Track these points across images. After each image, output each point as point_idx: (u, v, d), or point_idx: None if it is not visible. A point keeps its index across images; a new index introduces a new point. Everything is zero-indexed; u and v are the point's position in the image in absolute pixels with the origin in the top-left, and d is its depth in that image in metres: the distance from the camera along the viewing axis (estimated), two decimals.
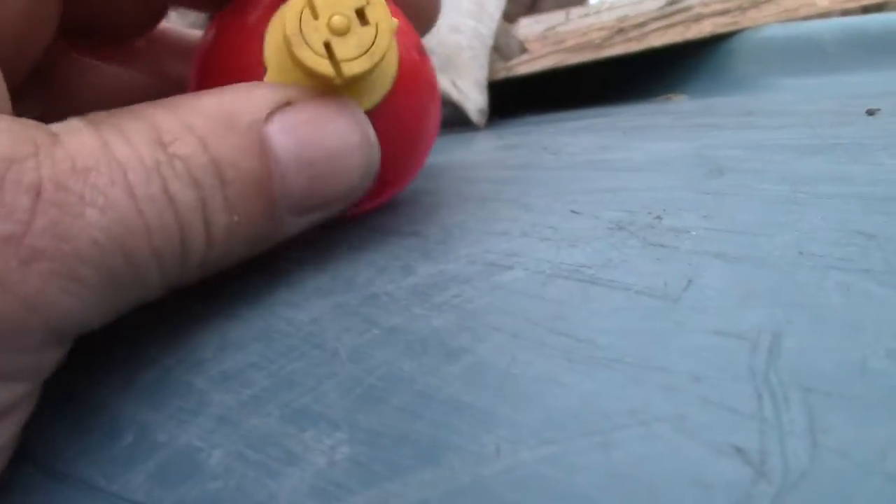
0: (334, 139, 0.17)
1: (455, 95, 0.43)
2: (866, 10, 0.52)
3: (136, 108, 0.15)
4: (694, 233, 0.16)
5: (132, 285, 0.14)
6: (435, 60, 0.43)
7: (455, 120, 0.46)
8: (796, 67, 0.46)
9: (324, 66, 0.16)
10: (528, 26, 0.58)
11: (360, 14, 0.17)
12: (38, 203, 0.13)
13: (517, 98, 0.57)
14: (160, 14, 0.20)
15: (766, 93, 0.43)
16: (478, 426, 0.12)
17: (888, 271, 0.13)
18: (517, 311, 0.14)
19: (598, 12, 0.56)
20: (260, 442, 0.13)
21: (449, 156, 0.31)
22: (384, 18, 0.17)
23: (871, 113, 0.25)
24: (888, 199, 0.16)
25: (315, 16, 0.16)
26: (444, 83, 0.43)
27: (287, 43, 0.16)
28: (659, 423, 0.11)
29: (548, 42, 0.50)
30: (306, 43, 0.16)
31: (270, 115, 0.16)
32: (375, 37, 0.17)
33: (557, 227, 0.18)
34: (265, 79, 0.17)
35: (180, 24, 0.21)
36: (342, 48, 0.17)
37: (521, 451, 0.11)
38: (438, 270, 0.17)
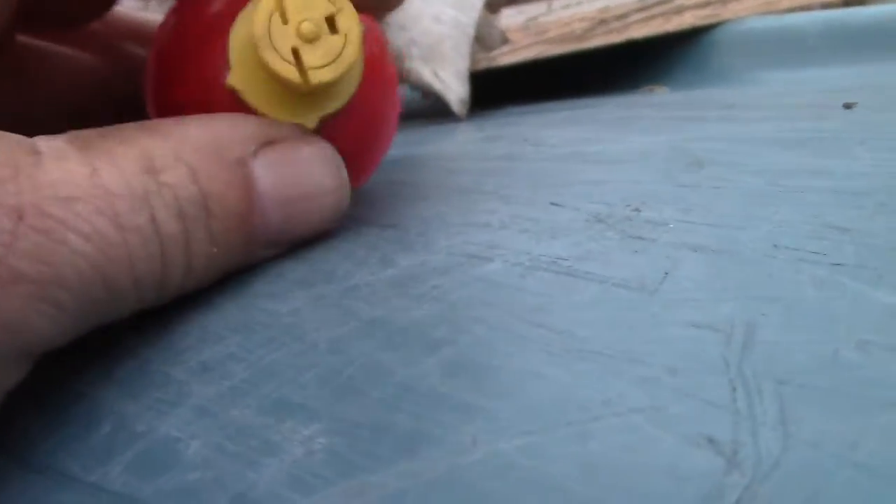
0: (312, 182, 0.18)
1: (437, 86, 0.43)
2: (847, 3, 0.53)
3: (126, 131, 0.15)
4: (672, 225, 0.16)
5: (107, 308, 0.14)
6: (416, 50, 0.43)
7: (437, 110, 0.46)
8: (778, 60, 0.46)
9: (291, 73, 0.17)
10: (511, 17, 0.58)
11: (330, 21, 0.17)
12: (20, 226, 0.12)
13: (500, 88, 0.57)
14: None
15: (747, 85, 0.44)
16: (456, 418, 0.12)
17: (860, 265, 0.13)
18: (497, 303, 0.14)
19: (579, 2, 0.56)
20: (238, 433, 0.13)
21: (430, 147, 0.31)
22: (354, 27, 0.17)
23: (848, 107, 0.25)
24: (862, 194, 0.16)
25: (284, 21, 0.16)
26: (426, 73, 0.43)
27: (255, 46, 0.16)
28: (634, 415, 0.11)
29: (530, 32, 0.50)
30: (274, 48, 0.16)
31: (256, 151, 0.17)
32: (344, 46, 0.17)
33: (537, 219, 0.18)
34: (228, 79, 0.17)
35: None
36: (310, 56, 0.17)
37: (499, 442, 0.11)
38: (418, 262, 0.17)
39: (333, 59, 0.17)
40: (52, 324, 0.13)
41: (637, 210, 0.17)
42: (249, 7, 0.18)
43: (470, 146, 0.29)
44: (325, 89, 0.18)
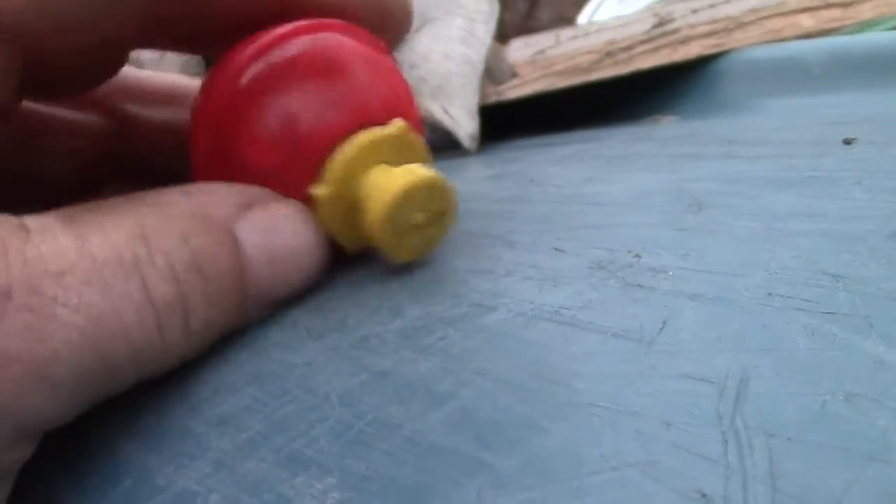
0: (295, 239, 0.18)
1: (447, 122, 0.44)
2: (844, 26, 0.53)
3: (116, 203, 0.16)
4: (671, 272, 0.17)
5: (107, 381, 0.14)
6: (426, 88, 0.43)
7: (447, 144, 0.46)
8: (782, 88, 0.47)
9: (389, 246, 0.19)
10: (519, 49, 0.59)
11: (439, 215, 0.19)
12: (9, 306, 0.12)
13: (510, 120, 0.58)
14: (119, 63, 0.20)
15: (751, 115, 0.44)
16: (461, 472, 0.12)
17: (851, 314, 0.14)
18: (499, 355, 0.15)
19: (586, 34, 0.57)
20: (254, 486, 0.13)
21: None
22: (445, 226, 0.20)
23: (848, 142, 0.26)
24: (857, 238, 0.17)
25: (408, 206, 0.18)
26: (436, 110, 0.44)
27: (379, 216, 0.18)
28: (630, 469, 0.11)
29: (537, 66, 0.51)
30: (394, 228, 0.18)
31: (239, 215, 0.17)
32: (435, 237, 0.20)
33: (540, 266, 0.18)
34: (317, 189, 0.19)
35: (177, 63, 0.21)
36: (409, 239, 0.19)
37: (501, 498, 0.11)
38: (425, 312, 0.17)
39: (420, 247, 0.19)
40: (49, 402, 0.13)
41: (638, 256, 0.18)
42: (371, 144, 0.19)
43: (477, 186, 0.30)
44: None
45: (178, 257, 0.16)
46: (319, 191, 0.19)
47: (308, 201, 0.19)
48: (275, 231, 0.18)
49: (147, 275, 0.15)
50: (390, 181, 0.18)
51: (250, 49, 0.18)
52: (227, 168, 0.19)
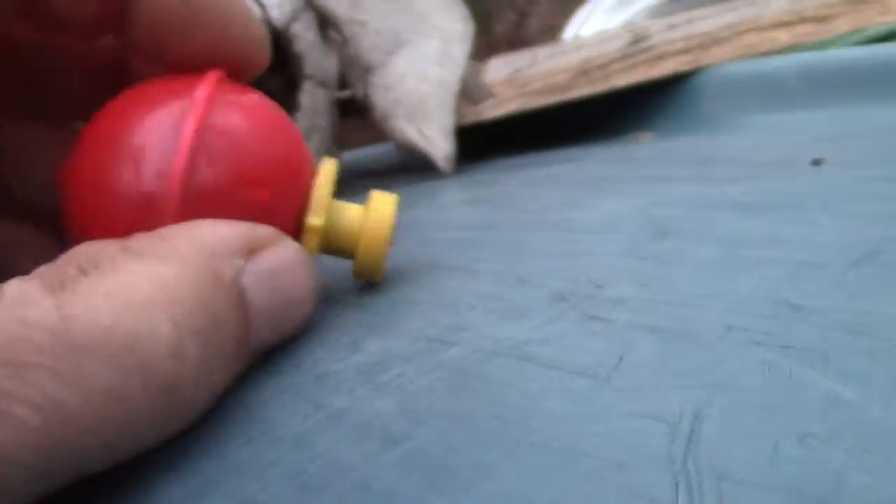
0: (296, 288, 0.18)
1: (422, 144, 0.44)
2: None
3: (113, 254, 0.14)
4: (631, 304, 0.17)
5: (76, 470, 0.13)
6: (401, 110, 0.43)
7: (422, 166, 0.46)
8: (758, 104, 0.47)
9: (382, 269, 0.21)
10: (496, 69, 0.59)
11: None
12: None
13: (489, 139, 0.58)
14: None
15: (726, 133, 0.44)
16: None
17: (808, 348, 0.14)
18: (456, 393, 0.15)
19: (564, 52, 0.57)
20: None
21: (412, 212, 0.31)
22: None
23: (816, 163, 0.25)
24: (817, 267, 0.16)
25: None
26: (411, 132, 0.44)
27: (383, 244, 0.20)
28: None
29: (514, 85, 0.51)
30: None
31: (244, 265, 0.16)
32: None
33: (503, 298, 0.18)
34: (311, 219, 0.19)
35: None
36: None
37: None
38: (384, 348, 0.17)
39: None
40: (8, 499, 0.12)
41: (599, 287, 0.18)
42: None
43: (450, 212, 0.29)
44: None
45: (189, 326, 0.14)
46: (316, 221, 0.19)
47: (300, 233, 0.19)
48: (279, 282, 0.17)
49: (142, 353, 0.13)
50: (380, 211, 0.20)
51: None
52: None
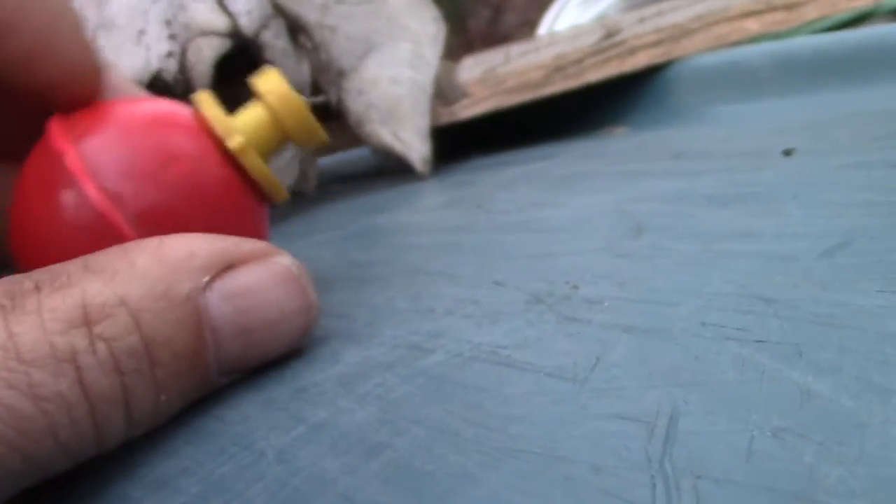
0: (274, 308, 0.17)
1: (398, 147, 0.44)
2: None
3: (68, 273, 0.15)
4: (606, 303, 0.17)
5: (33, 474, 0.13)
6: (375, 114, 0.43)
7: (399, 169, 0.46)
8: (730, 94, 0.47)
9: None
10: (469, 69, 0.59)
11: None
12: None
13: (466, 138, 0.58)
14: None
15: (699, 124, 0.44)
16: None
17: (781, 341, 0.14)
18: (435, 401, 0.15)
19: (537, 49, 0.57)
20: None
21: (387, 216, 0.31)
22: None
23: (787, 153, 0.26)
24: (789, 259, 0.17)
25: None
26: (386, 136, 0.44)
27: (288, 97, 0.20)
28: None
29: (488, 84, 0.51)
30: None
31: (210, 281, 0.16)
32: None
33: (480, 302, 0.18)
34: (233, 144, 0.19)
35: None
36: None
37: None
38: (364, 357, 0.17)
39: None
40: None
41: (575, 287, 0.18)
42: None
43: (425, 215, 0.30)
44: None
45: (124, 345, 0.14)
46: (235, 142, 0.19)
47: (229, 162, 0.19)
48: (249, 301, 0.16)
49: (84, 367, 0.14)
50: (269, 84, 0.20)
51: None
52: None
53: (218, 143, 0.19)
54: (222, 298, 0.16)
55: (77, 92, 0.19)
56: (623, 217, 0.22)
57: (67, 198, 0.17)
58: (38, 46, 0.18)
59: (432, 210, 0.31)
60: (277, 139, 0.20)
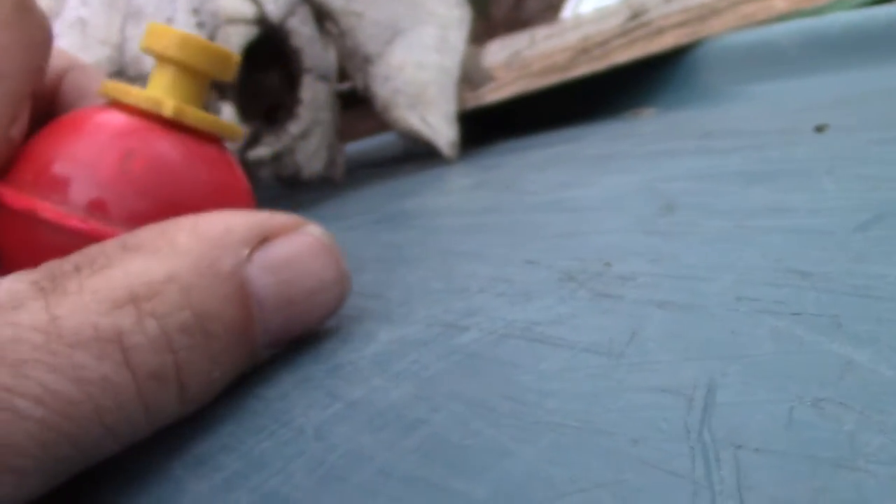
0: (313, 278, 0.17)
1: (426, 132, 0.44)
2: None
3: (110, 252, 0.15)
4: (640, 280, 0.17)
5: (85, 459, 0.14)
6: (402, 99, 0.43)
7: (427, 153, 0.46)
8: (758, 73, 0.47)
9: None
10: (495, 53, 0.59)
11: None
12: None
13: (492, 123, 0.58)
14: None
15: (727, 103, 0.44)
16: (432, 502, 0.12)
17: (818, 314, 0.14)
18: (471, 377, 0.15)
19: (562, 32, 0.57)
20: None
21: (416, 200, 0.31)
22: None
23: (819, 129, 0.25)
24: (824, 233, 0.17)
25: None
26: (414, 120, 0.44)
27: (188, 39, 0.19)
28: (598, 490, 0.11)
29: (514, 68, 0.51)
30: None
31: (251, 253, 0.16)
32: None
33: (513, 281, 0.18)
34: (168, 110, 0.18)
35: None
36: None
37: None
38: (398, 336, 0.17)
39: None
40: (17, 489, 0.12)
41: (608, 264, 0.18)
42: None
43: (454, 197, 0.30)
44: None
45: (175, 321, 0.14)
46: (169, 106, 0.19)
47: (175, 129, 0.19)
48: (290, 272, 0.17)
49: (131, 347, 0.13)
50: (154, 31, 0.19)
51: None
52: None
53: (154, 118, 0.19)
54: (264, 271, 0.16)
55: None
56: (653, 195, 0.22)
57: (58, 241, 0.17)
58: None
59: (461, 192, 0.31)
60: (199, 84, 0.20)
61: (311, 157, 0.39)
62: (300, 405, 0.16)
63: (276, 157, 0.38)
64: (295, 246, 0.17)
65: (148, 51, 0.19)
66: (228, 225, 0.16)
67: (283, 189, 0.46)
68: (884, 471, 0.10)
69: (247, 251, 0.16)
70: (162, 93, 0.19)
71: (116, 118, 0.19)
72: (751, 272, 0.16)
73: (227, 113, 0.36)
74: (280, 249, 0.16)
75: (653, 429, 0.12)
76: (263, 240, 0.16)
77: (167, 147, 0.18)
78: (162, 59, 0.19)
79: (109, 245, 0.15)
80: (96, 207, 0.17)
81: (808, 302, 0.14)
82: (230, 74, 0.20)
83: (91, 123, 0.19)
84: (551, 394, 0.14)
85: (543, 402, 0.13)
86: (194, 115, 0.19)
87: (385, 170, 0.51)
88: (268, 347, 0.17)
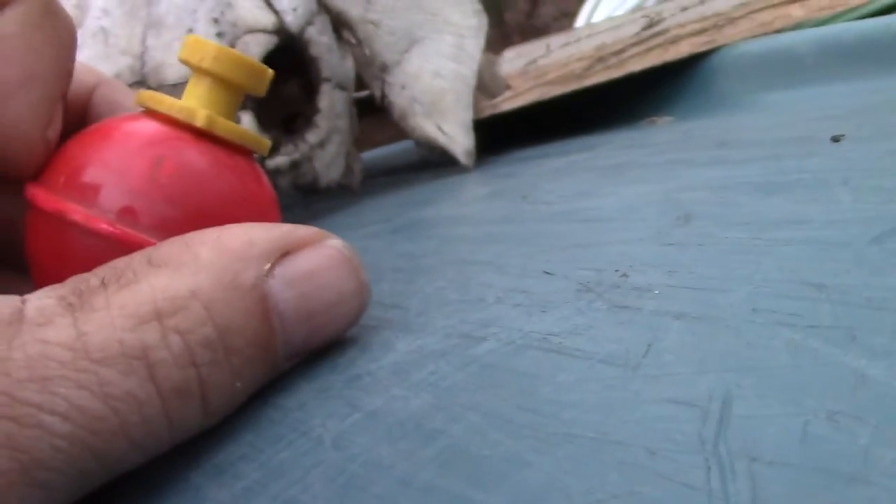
0: (333, 291, 0.17)
1: (442, 140, 0.44)
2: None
3: (133, 269, 0.15)
4: (657, 291, 0.17)
5: (108, 472, 0.14)
6: (419, 107, 0.44)
7: (443, 162, 0.47)
8: (775, 82, 0.46)
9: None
10: (510, 61, 0.59)
11: None
12: None
13: (508, 131, 0.58)
14: None
15: (744, 112, 0.44)
16: None
17: (834, 326, 0.14)
18: (488, 388, 0.15)
19: (577, 40, 0.57)
20: None
21: (433, 209, 0.32)
22: None
23: (836, 139, 0.25)
24: (840, 245, 0.17)
25: None
26: (430, 129, 0.44)
27: (221, 51, 0.19)
28: (614, 501, 0.11)
29: (529, 77, 0.51)
30: None
31: (272, 267, 0.16)
32: None
33: (529, 291, 0.18)
34: (200, 121, 0.19)
35: None
36: None
37: None
38: (417, 346, 0.17)
39: None
40: (41, 502, 0.12)
41: (625, 276, 0.18)
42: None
43: (471, 206, 0.30)
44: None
45: (198, 336, 0.14)
46: (201, 116, 0.19)
47: (207, 140, 0.19)
48: (311, 285, 0.17)
49: (156, 363, 0.14)
50: (192, 43, 0.20)
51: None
52: None
53: (186, 128, 0.19)
54: (285, 284, 0.16)
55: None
56: (670, 206, 0.22)
57: (87, 244, 0.18)
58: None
59: (478, 202, 0.31)
60: (232, 97, 0.20)
61: (328, 165, 0.40)
62: (319, 415, 0.16)
63: (294, 166, 0.38)
64: (316, 259, 0.17)
65: (185, 62, 0.20)
66: (251, 238, 0.16)
67: (300, 197, 0.46)
68: None
69: (268, 265, 0.16)
70: (195, 103, 0.19)
71: (148, 126, 0.19)
72: (767, 284, 0.16)
73: (246, 122, 0.36)
74: (301, 263, 0.17)
75: (668, 441, 0.12)
76: (285, 253, 0.17)
77: (196, 156, 0.19)
78: (198, 70, 0.20)
79: (136, 259, 0.15)
80: (126, 213, 0.18)
81: (823, 314, 0.14)
82: (263, 89, 0.20)
83: (123, 130, 0.19)
84: (568, 405, 0.14)
85: (560, 413, 0.13)
86: (225, 127, 0.19)
87: (402, 178, 0.51)
88: (289, 359, 0.17)
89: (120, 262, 0.15)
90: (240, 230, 0.16)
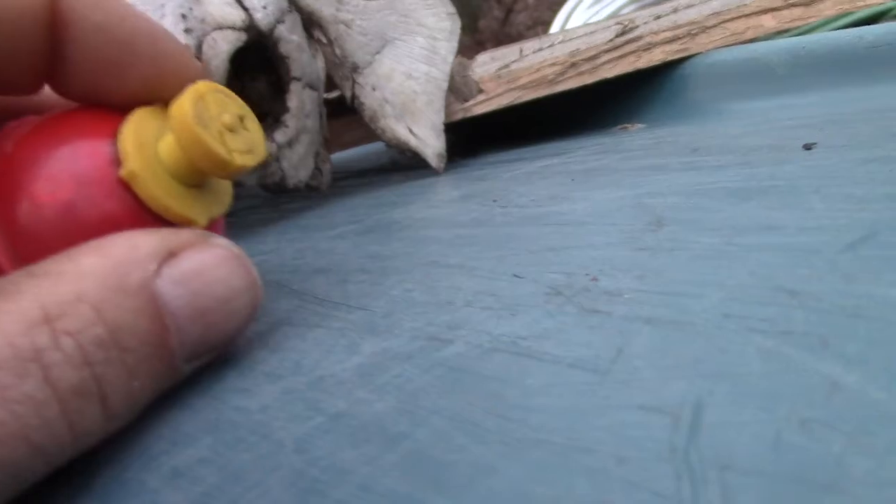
0: (224, 287, 0.17)
1: (413, 142, 0.44)
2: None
3: (17, 280, 0.15)
4: (627, 296, 0.16)
5: (11, 482, 0.13)
6: (390, 109, 0.43)
7: (414, 164, 0.46)
8: (747, 91, 0.47)
9: (222, 151, 0.17)
10: (483, 65, 0.59)
11: (241, 120, 0.18)
12: None
13: (481, 135, 0.58)
14: None
15: (716, 120, 0.44)
16: None
17: (806, 332, 0.14)
18: (455, 391, 0.15)
19: (551, 46, 0.57)
20: None
21: (404, 210, 0.31)
22: (258, 130, 0.19)
23: (808, 148, 0.25)
24: (813, 252, 0.16)
25: (207, 110, 0.17)
26: (401, 131, 0.44)
27: (185, 126, 0.17)
28: None
29: (502, 81, 0.51)
30: (204, 126, 0.17)
31: (159, 268, 0.16)
32: (256, 141, 0.19)
33: (499, 295, 0.18)
34: (122, 171, 0.17)
35: None
36: (233, 142, 0.18)
37: None
38: (382, 348, 0.17)
39: (251, 149, 0.18)
40: None
41: (595, 279, 0.18)
42: (148, 108, 0.19)
43: (442, 209, 0.29)
44: (216, 190, 0.19)
45: (89, 336, 0.14)
46: (126, 170, 0.17)
47: (127, 188, 0.18)
48: (200, 283, 0.17)
49: (50, 364, 0.14)
50: (179, 99, 0.18)
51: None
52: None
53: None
54: (174, 283, 0.16)
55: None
56: (642, 211, 0.22)
57: None
58: (158, 71, 0.19)
59: (448, 204, 0.30)
60: (188, 166, 0.18)
61: (296, 165, 0.39)
62: (281, 417, 0.16)
63: (262, 165, 0.37)
64: (203, 257, 0.17)
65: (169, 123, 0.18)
66: (133, 242, 0.16)
67: (268, 197, 0.45)
68: (871, 494, 0.10)
69: (154, 265, 0.16)
70: (161, 148, 0.18)
71: (94, 145, 0.18)
72: (739, 290, 0.16)
73: None
74: (188, 262, 0.17)
75: (638, 448, 0.12)
76: (170, 254, 0.17)
77: (95, 200, 0.18)
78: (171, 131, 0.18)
79: (15, 274, 0.15)
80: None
81: (796, 321, 0.14)
82: (222, 175, 0.19)
83: (74, 136, 0.18)
84: (536, 410, 0.13)
85: (528, 418, 0.13)
86: (145, 190, 0.18)
87: (371, 180, 0.51)
88: (188, 360, 0.17)
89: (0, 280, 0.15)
90: (121, 237, 0.16)
